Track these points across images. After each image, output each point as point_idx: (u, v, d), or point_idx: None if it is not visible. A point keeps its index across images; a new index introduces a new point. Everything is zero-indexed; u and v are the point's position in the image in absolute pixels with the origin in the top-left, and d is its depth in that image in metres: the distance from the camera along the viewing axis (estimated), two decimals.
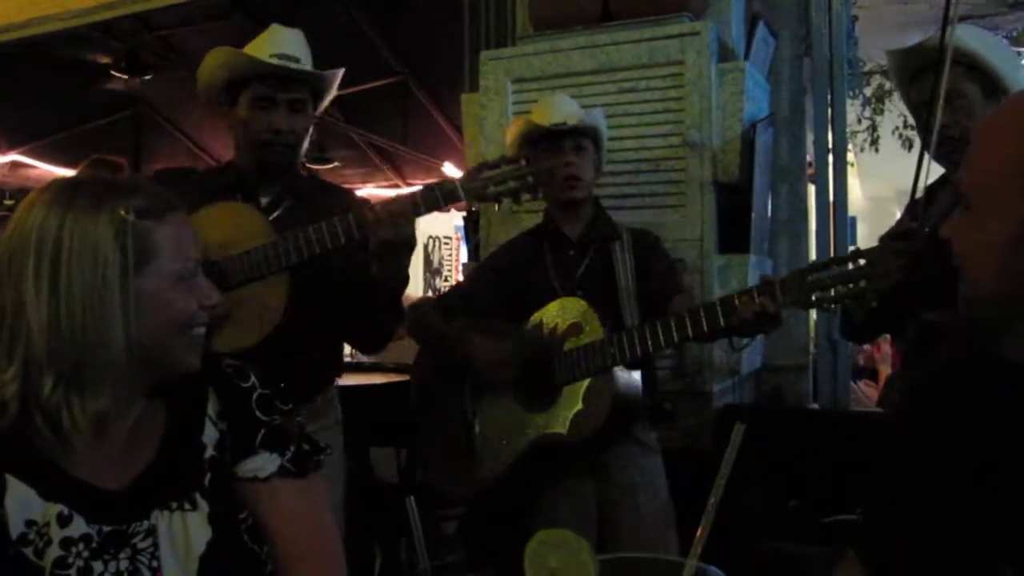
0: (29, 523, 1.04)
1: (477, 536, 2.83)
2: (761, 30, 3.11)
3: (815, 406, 3.13)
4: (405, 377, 2.58)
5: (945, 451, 0.95)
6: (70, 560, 1.05)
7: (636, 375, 2.11)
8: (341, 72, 2.10)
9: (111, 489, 1.09)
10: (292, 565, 1.18)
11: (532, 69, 2.96)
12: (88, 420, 1.03)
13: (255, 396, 1.21)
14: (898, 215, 2.26)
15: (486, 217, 3.05)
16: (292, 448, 1.21)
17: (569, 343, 2.10)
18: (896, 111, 5.60)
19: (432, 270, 9.26)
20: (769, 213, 3.11)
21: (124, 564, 1.07)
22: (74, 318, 1.02)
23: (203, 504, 1.13)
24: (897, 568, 0.98)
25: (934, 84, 1.78)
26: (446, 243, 9.33)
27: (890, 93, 5.56)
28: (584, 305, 2.12)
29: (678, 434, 2.55)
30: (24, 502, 1.04)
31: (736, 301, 1.88)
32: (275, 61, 1.95)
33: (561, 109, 2.27)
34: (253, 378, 1.22)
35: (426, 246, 9.09)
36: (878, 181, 7.04)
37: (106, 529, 1.07)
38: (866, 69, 4.64)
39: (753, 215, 2.81)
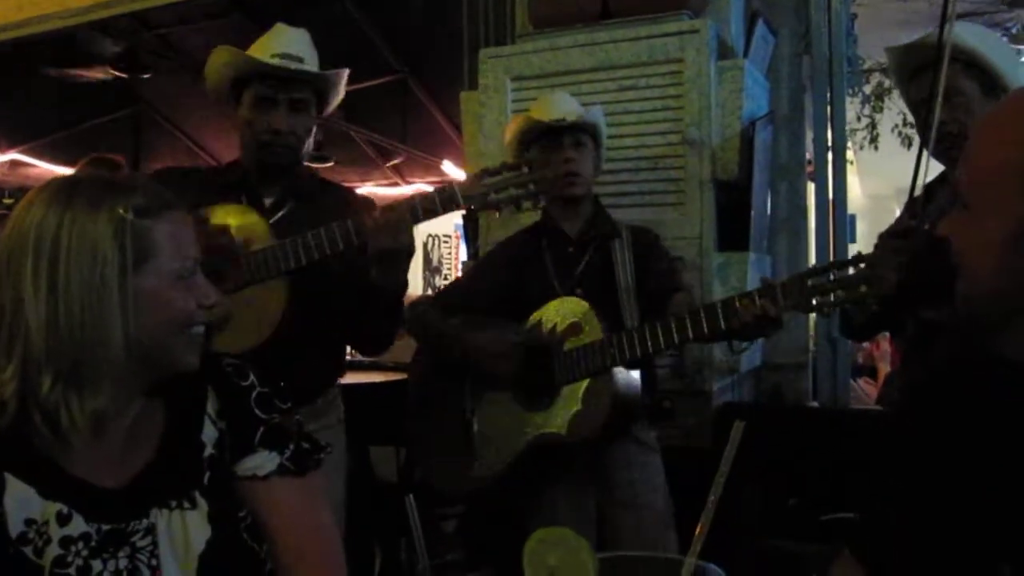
0: (28, 522, 1.04)
1: (476, 535, 2.83)
2: (760, 28, 3.11)
3: (815, 404, 3.12)
4: (404, 375, 2.57)
5: (944, 449, 0.95)
6: (69, 559, 1.05)
7: (635, 375, 2.11)
8: (346, 72, 2.07)
9: (110, 488, 1.09)
10: (291, 564, 1.18)
11: (531, 67, 2.95)
12: (87, 419, 1.03)
13: (254, 395, 1.21)
14: (897, 213, 2.26)
15: (485, 217, 3.05)
16: (291, 446, 1.21)
17: (569, 343, 2.10)
18: (895, 109, 5.59)
19: (432, 268, 9.25)
20: (768, 211, 3.11)
21: (123, 563, 1.07)
22: (73, 317, 1.02)
23: (202, 502, 1.13)
24: (895, 566, 0.98)
25: (933, 81, 1.78)
26: (445, 241, 9.32)
27: (889, 91, 5.56)
28: (584, 305, 2.12)
29: (677, 432, 2.55)
30: (23, 501, 1.04)
31: (737, 303, 1.89)
32: (276, 61, 1.94)
33: (561, 106, 2.27)
34: (252, 377, 1.22)
35: (426, 244, 9.08)
36: (877, 179, 7.04)
37: (105, 528, 1.07)
38: (865, 67, 4.64)
39: (752, 213, 2.81)
